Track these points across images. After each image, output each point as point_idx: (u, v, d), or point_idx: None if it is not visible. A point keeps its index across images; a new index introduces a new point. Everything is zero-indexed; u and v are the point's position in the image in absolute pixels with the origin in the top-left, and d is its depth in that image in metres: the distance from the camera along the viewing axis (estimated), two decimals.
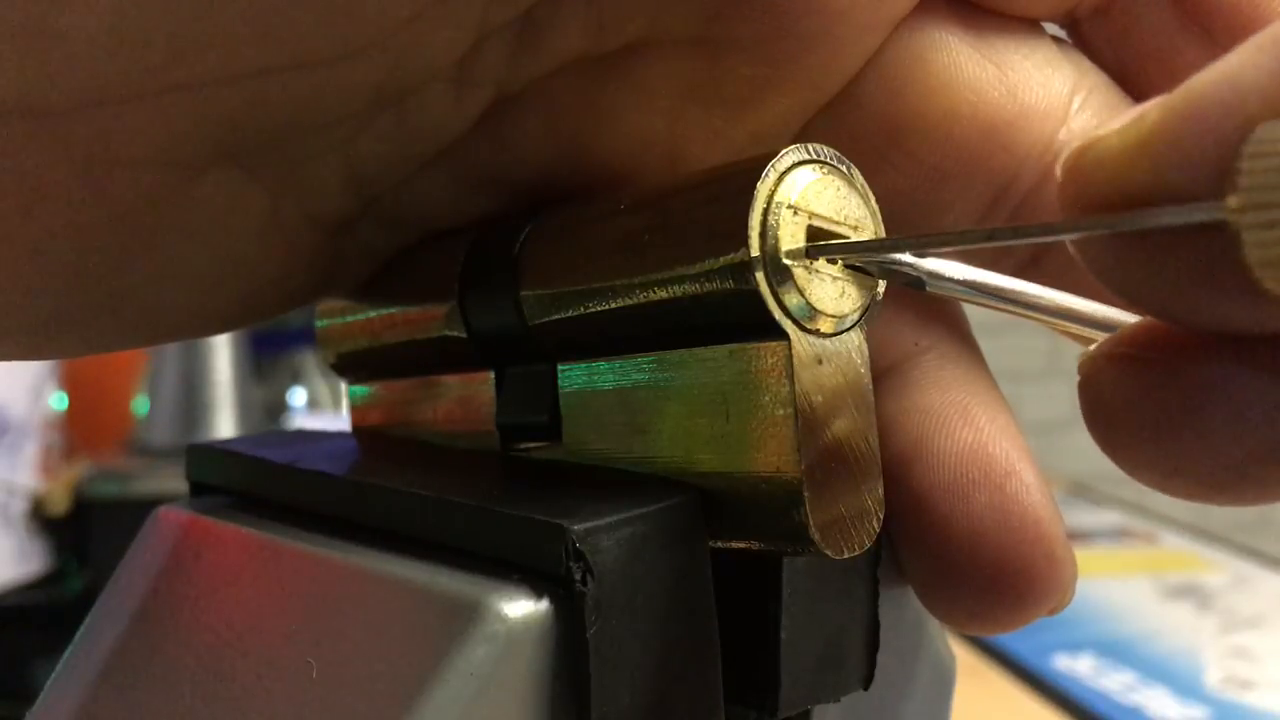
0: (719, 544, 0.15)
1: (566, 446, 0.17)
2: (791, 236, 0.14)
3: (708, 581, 0.15)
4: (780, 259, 0.14)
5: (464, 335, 0.18)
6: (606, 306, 0.16)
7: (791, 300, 0.14)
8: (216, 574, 0.18)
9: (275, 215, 0.18)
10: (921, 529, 0.16)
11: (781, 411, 0.14)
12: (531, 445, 0.18)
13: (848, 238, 0.15)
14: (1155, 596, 0.73)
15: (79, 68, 0.14)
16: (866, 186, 0.15)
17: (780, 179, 0.14)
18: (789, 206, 0.14)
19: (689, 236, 0.15)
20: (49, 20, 0.14)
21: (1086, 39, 0.18)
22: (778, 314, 0.14)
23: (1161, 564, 0.81)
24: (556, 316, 0.17)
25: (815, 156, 0.15)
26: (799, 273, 0.14)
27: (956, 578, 0.16)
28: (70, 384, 0.93)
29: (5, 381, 0.80)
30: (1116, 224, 0.11)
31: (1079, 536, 0.86)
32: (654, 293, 0.15)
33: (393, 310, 0.20)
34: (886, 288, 0.15)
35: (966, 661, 0.58)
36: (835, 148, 0.15)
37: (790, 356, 0.14)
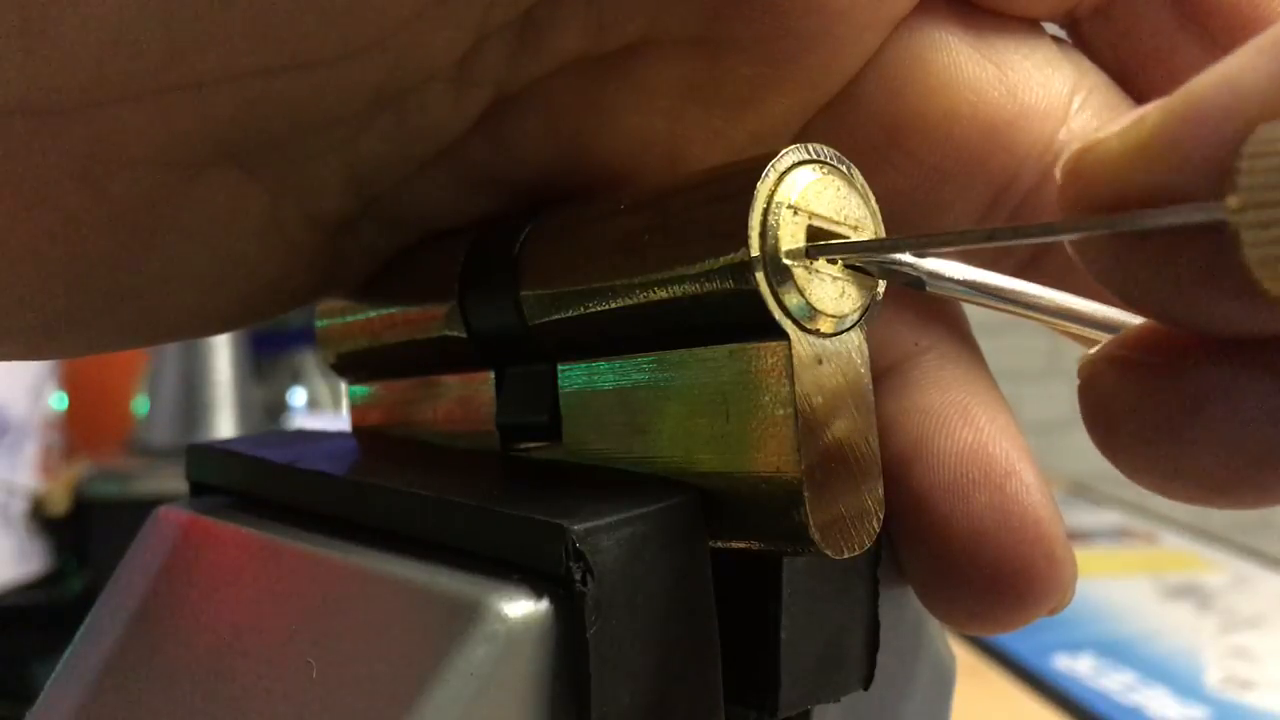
0: (719, 544, 0.15)
1: (566, 446, 0.17)
2: (791, 236, 0.14)
3: (708, 581, 0.15)
4: (780, 259, 0.14)
5: (464, 335, 0.18)
6: (606, 306, 0.16)
7: (791, 300, 0.14)
8: (216, 574, 0.18)
9: (275, 215, 0.18)
10: (921, 529, 0.16)
11: (781, 411, 0.14)
12: (531, 445, 0.18)
13: (848, 238, 0.15)
14: (1155, 596, 0.73)
15: (79, 68, 0.14)
16: (866, 186, 0.15)
17: (780, 179, 0.14)
18: (789, 206, 0.14)
19: (689, 236, 0.15)
20: (49, 20, 0.14)
21: (1086, 39, 0.18)
22: (778, 314, 0.14)
23: (1161, 564, 0.81)
24: (556, 316, 0.17)
25: (815, 156, 0.15)
26: (799, 273, 0.14)
27: (956, 578, 0.16)
28: (70, 384, 0.93)
29: (5, 381, 0.80)
30: (1116, 224, 0.11)
31: (1079, 536, 0.86)
32: (654, 293, 0.15)
33: (393, 310, 0.20)
34: (886, 288, 0.15)
35: (966, 661, 0.58)
36: (835, 148, 0.15)
37: (790, 356, 0.14)
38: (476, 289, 0.18)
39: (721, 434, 0.15)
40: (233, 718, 0.16)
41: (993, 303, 0.15)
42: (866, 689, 0.17)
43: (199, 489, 0.21)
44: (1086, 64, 0.18)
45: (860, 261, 0.15)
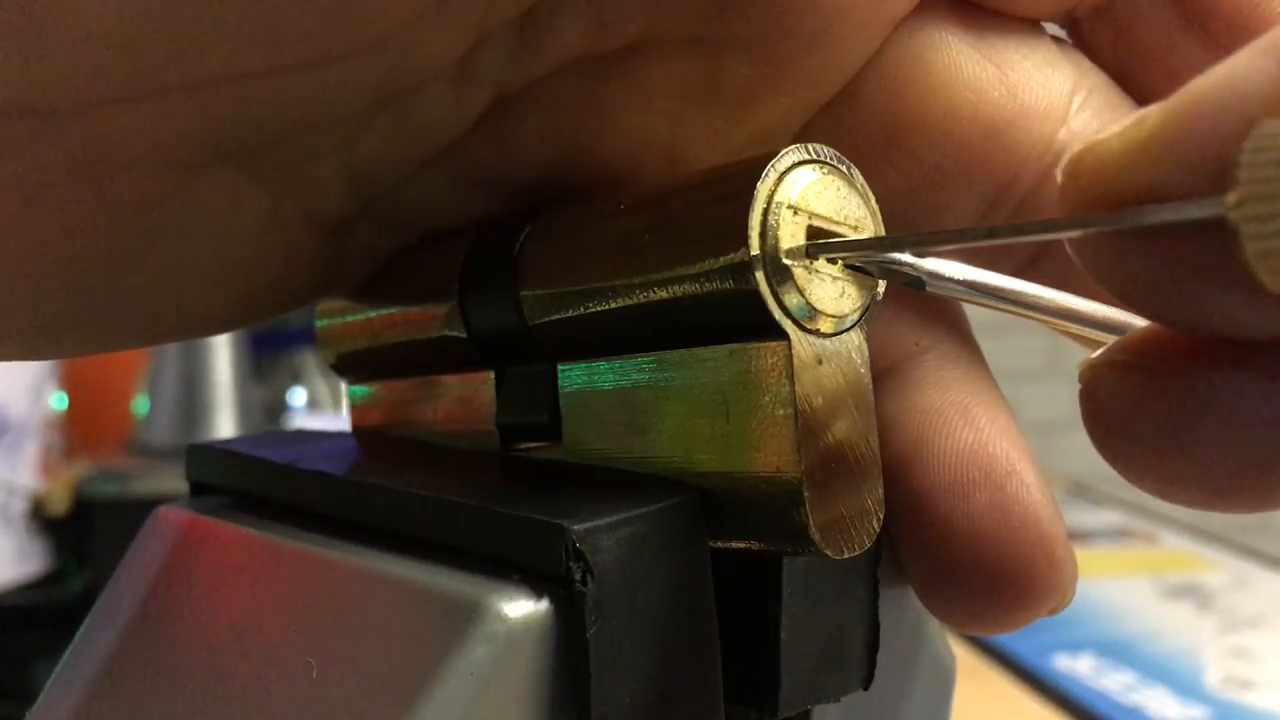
0: (719, 544, 0.15)
1: (566, 446, 0.17)
2: (791, 236, 0.14)
3: (708, 581, 0.15)
4: (780, 259, 0.14)
5: (464, 335, 0.18)
6: (606, 306, 0.16)
7: (791, 300, 0.14)
8: (216, 574, 0.18)
9: (275, 215, 0.18)
10: (922, 529, 0.16)
11: (781, 411, 0.14)
12: (531, 445, 0.18)
13: (847, 238, 0.15)
14: (1155, 596, 0.73)
15: (79, 68, 0.14)
16: (866, 186, 0.15)
17: (780, 179, 0.14)
18: (789, 206, 0.14)
19: (689, 236, 0.15)
20: (49, 20, 0.14)
21: (1086, 39, 0.18)
22: (778, 314, 0.14)
23: (1161, 564, 0.81)
24: (556, 316, 0.17)
25: (815, 156, 0.15)
26: (799, 273, 0.14)
27: (957, 578, 0.16)
28: (70, 384, 0.93)
29: (5, 381, 0.80)
30: (1117, 221, 0.11)
31: (1079, 536, 0.86)
32: (654, 293, 0.15)
33: (393, 310, 0.20)
34: (886, 288, 0.15)
35: (966, 661, 0.58)
36: (835, 148, 0.15)
37: (790, 356, 0.14)
38: (476, 289, 0.18)
39: (721, 434, 0.15)
40: (233, 718, 0.16)
41: (993, 303, 0.15)
42: (866, 689, 0.17)
43: (199, 489, 0.21)
44: (1086, 64, 0.18)
45: (860, 261, 0.15)
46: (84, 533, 0.80)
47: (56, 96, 0.14)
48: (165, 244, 0.17)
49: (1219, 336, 0.12)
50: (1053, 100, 0.17)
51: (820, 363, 0.14)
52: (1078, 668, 0.61)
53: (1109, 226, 0.11)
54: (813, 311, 0.14)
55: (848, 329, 0.15)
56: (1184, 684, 0.59)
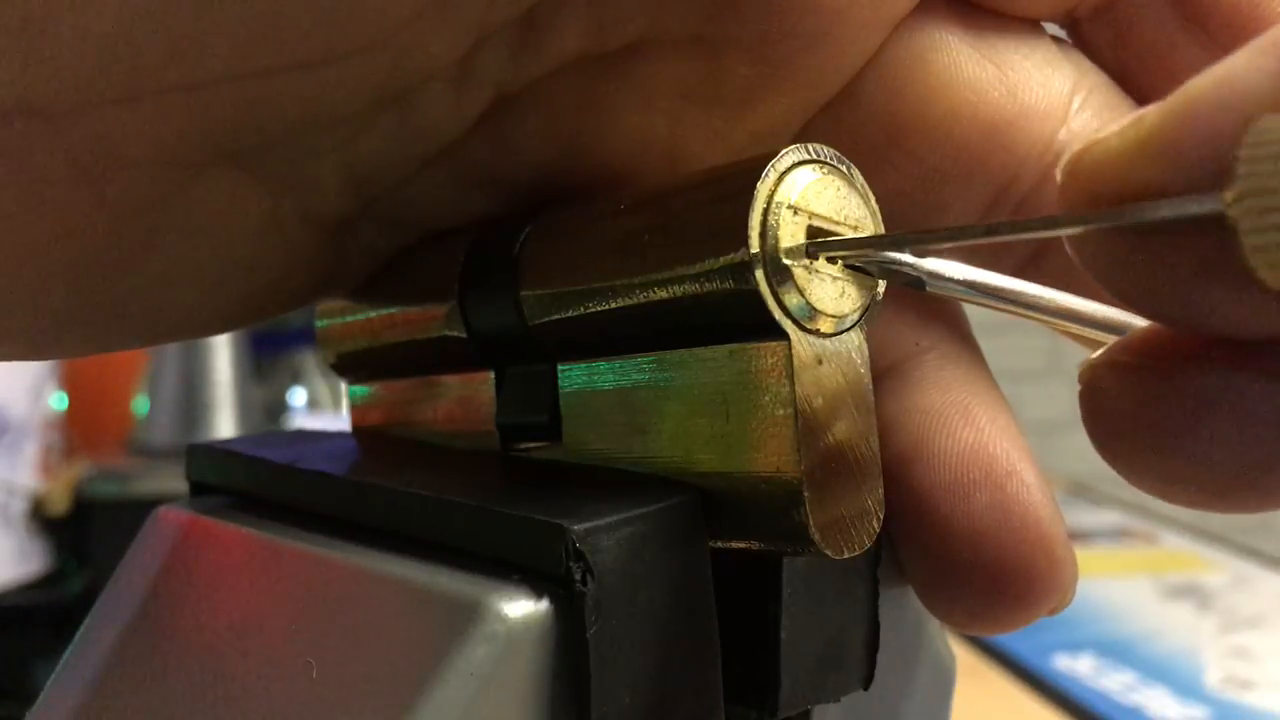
0: (719, 544, 0.15)
1: (566, 446, 0.17)
2: (791, 236, 0.14)
3: (708, 581, 0.15)
4: (780, 259, 0.14)
5: (464, 335, 0.18)
6: (606, 306, 0.16)
7: (791, 300, 0.14)
8: (216, 574, 0.18)
9: (275, 215, 0.18)
10: (922, 529, 0.16)
11: (781, 411, 0.14)
12: (531, 445, 0.18)
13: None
14: (1155, 596, 0.73)
15: (79, 68, 0.14)
16: (866, 186, 0.15)
17: (780, 179, 0.14)
18: (789, 206, 0.14)
19: (689, 236, 0.15)
20: (49, 20, 0.14)
21: (1086, 39, 0.18)
22: (778, 314, 0.14)
23: (1161, 564, 0.81)
24: (556, 316, 0.17)
25: (815, 156, 0.15)
26: (799, 273, 0.14)
27: (957, 578, 0.16)
28: (70, 384, 0.93)
29: (5, 381, 0.80)
30: (1116, 217, 0.11)
31: (1079, 536, 0.86)
32: (654, 293, 0.15)
33: (393, 310, 0.20)
34: (886, 288, 0.15)
35: (966, 661, 0.58)
36: (835, 148, 0.15)
37: (790, 356, 0.14)
38: (476, 289, 0.18)
39: (721, 434, 0.15)
40: (233, 718, 0.16)
41: (993, 303, 0.15)
42: (866, 689, 0.17)
43: (199, 489, 0.21)
44: (1086, 64, 0.18)
45: (860, 261, 0.15)
46: (84, 533, 0.80)
47: (56, 96, 0.14)
48: (165, 244, 0.17)
49: (1219, 336, 0.12)
50: (1053, 100, 0.17)
51: (820, 363, 0.14)
52: (1078, 668, 0.61)
53: (1108, 223, 0.11)
54: (813, 311, 0.14)
55: (848, 329, 0.15)
56: (1184, 684, 0.59)
